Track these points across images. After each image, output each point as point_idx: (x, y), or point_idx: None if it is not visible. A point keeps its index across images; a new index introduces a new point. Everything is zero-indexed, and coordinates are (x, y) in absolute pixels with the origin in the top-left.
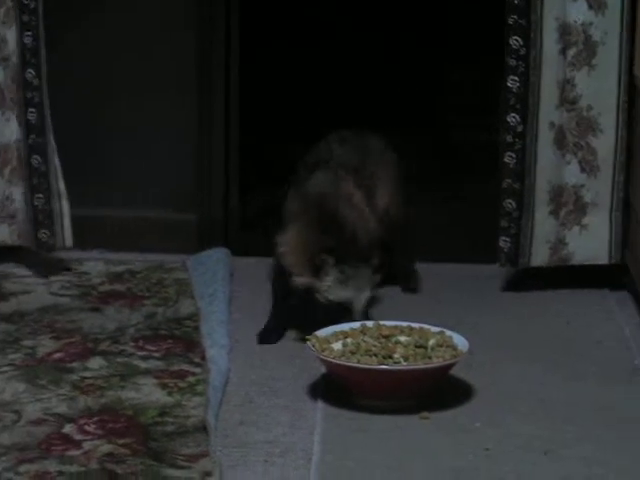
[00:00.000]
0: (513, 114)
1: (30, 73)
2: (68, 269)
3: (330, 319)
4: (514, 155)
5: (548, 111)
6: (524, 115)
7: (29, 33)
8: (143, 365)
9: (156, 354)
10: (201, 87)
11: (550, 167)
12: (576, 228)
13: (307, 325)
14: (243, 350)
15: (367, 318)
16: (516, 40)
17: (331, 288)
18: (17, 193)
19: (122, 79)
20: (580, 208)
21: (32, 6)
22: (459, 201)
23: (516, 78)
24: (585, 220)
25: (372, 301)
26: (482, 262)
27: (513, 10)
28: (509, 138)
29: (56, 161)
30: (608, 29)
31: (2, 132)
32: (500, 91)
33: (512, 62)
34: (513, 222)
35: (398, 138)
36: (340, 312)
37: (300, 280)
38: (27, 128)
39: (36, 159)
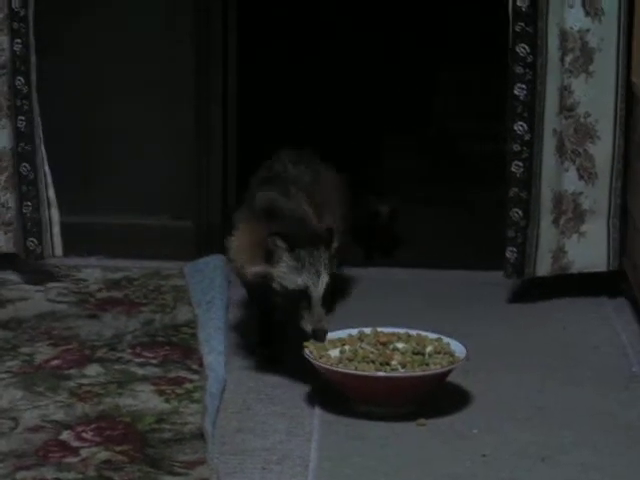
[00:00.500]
0: (520, 122)
1: (19, 81)
2: (59, 279)
3: (290, 308)
4: (521, 164)
5: (551, 118)
6: (531, 123)
7: (19, 40)
8: (140, 372)
9: (153, 361)
10: (198, 93)
11: (552, 175)
12: (575, 236)
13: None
14: (240, 357)
15: (327, 305)
16: (523, 48)
17: (286, 274)
18: (13, 201)
19: (118, 85)
20: (579, 216)
21: (22, 14)
22: (463, 209)
23: (523, 86)
24: (583, 228)
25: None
26: (483, 269)
27: (520, 17)
28: (516, 147)
29: (46, 169)
30: (605, 35)
31: None
32: (505, 99)
33: (519, 70)
34: (520, 232)
35: (397, 146)
36: (298, 300)
37: (254, 270)
38: (17, 136)
39: (25, 167)
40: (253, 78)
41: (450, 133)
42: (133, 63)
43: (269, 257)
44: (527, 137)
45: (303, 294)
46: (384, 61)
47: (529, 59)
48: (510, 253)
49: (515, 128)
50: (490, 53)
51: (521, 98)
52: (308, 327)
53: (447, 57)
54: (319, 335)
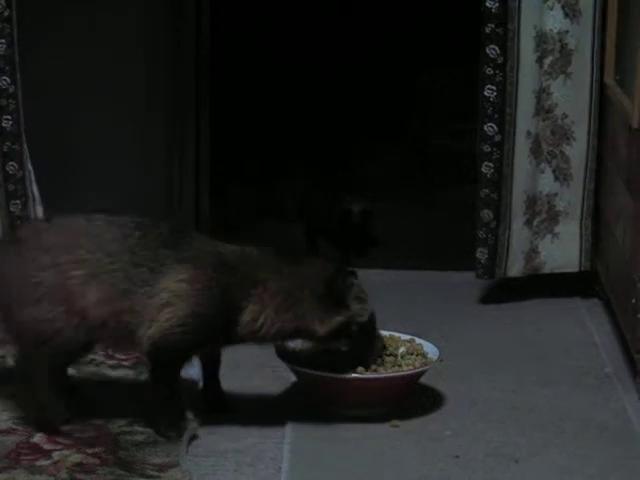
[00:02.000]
0: (490, 124)
1: (5, 80)
2: None
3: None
4: (491, 165)
5: (525, 120)
6: (501, 125)
7: (3, 41)
8: (113, 374)
9: (125, 363)
10: (172, 93)
11: (526, 177)
12: (548, 237)
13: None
14: None
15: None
16: (493, 49)
17: (361, 309)
18: None
19: (91, 87)
20: (553, 217)
21: (6, 14)
22: (436, 209)
23: (493, 87)
24: (557, 229)
25: None
26: (457, 269)
27: (491, 19)
28: (486, 148)
29: (29, 166)
30: (581, 37)
31: None
32: (476, 99)
33: (489, 71)
34: (490, 233)
35: (373, 148)
36: (370, 329)
37: (336, 320)
38: (1, 135)
39: (12, 166)
40: (227, 85)
41: (423, 134)
42: (111, 68)
43: (340, 301)
44: (497, 138)
45: (373, 319)
46: (359, 64)
47: (499, 60)
48: (481, 254)
49: (485, 129)
50: (465, 54)
51: (491, 99)
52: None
53: (422, 59)
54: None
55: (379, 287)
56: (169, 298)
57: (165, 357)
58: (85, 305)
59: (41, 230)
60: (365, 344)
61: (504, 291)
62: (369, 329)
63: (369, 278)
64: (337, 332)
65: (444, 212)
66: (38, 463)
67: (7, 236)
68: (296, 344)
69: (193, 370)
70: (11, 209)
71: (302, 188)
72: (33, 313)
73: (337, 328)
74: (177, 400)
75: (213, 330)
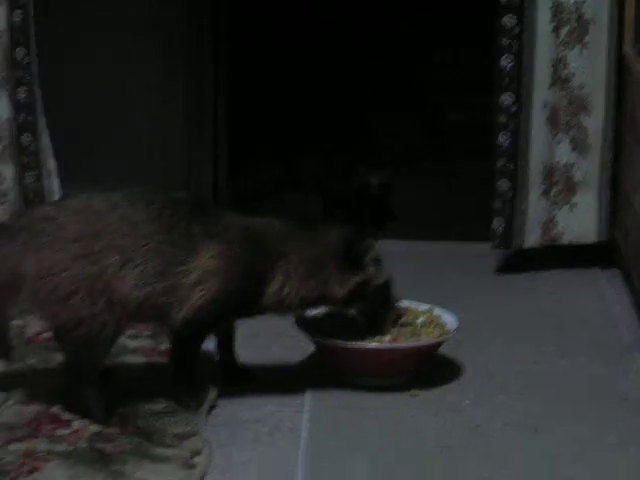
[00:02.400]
0: (507, 94)
1: (20, 52)
2: None
3: (372, 307)
4: (508, 135)
5: (541, 91)
6: (518, 95)
7: (18, 12)
8: (132, 344)
9: (144, 333)
10: (191, 68)
11: (543, 147)
12: (566, 207)
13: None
14: None
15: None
16: (510, 19)
17: (377, 270)
18: (8, 171)
19: (111, 64)
20: (570, 187)
21: None
22: (453, 181)
23: (510, 57)
24: (575, 199)
25: None
26: (473, 240)
27: None
28: (503, 118)
29: (46, 139)
30: (598, 6)
31: None
32: (492, 71)
33: (505, 41)
34: (507, 203)
35: (390, 120)
36: (384, 292)
37: (353, 281)
38: (17, 107)
39: (27, 137)
40: (244, 59)
41: (440, 106)
42: (128, 39)
43: (356, 264)
44: (514, 109)
45: (389, 282)
46: (376, 37)
47: (516, 30)
48: (497, 224)
49: (501, 100)
50: (481, 27)
51: (507, 70)
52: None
53: (438, 31)
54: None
55: (396, 258)
56: (201, 276)
57: (193, 333)
58: (124, 292)
59: (63, 218)
60: (380, 307)
61: (521, 262)
62: (385, 293)
63: (386, 249)
64: (354, 293)
65: (461, 183)
66: (58, 432)
67: (21, 227)
68: (315, 313)
69: (210, 342)
70: (25, 181)
71: (320, 162)
72: (72, 309)
73: (354, 289)
74: (197, 371)
75: (243, 303)
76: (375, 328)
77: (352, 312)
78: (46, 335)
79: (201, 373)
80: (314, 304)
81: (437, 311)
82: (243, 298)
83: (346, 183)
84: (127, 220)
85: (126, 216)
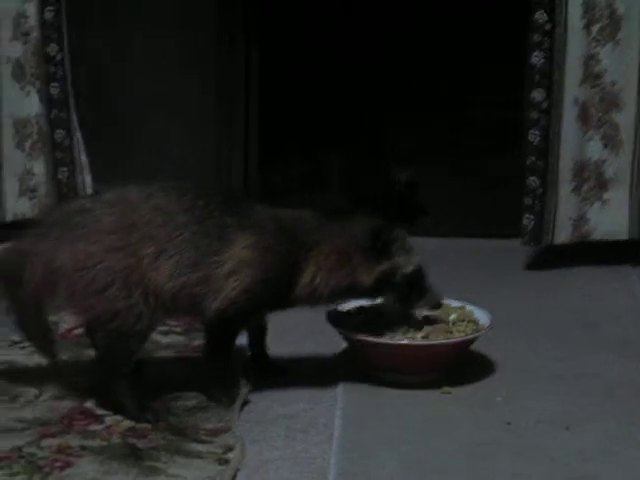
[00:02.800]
0: (538, 90)
1: (52, 48)
2: None
3: (403, 295)
4: (538, 132)
5: (572, 87)
6: (549, 91)
7: (50, 8)
8: (164, 340)
9: (177, 329)
10: (220, 62)
11: (573, 144)
12: (597, 204)
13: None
14: None
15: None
16: (541, 15)
17: (405, 259)
18: (38, 167)
19: (143, 59)
20: (601, 184)
21: None
22: (483, 177)
23: (541, 54)
24: (606, 196)
25: None
26: (502, 237)
27: None
28: (534, 115)
29: (78, 135)
30: (631, 2)
31: (21, 107)
32: (522, 68)
33: (537, 38)
34: (537, 199)
35: (419, 117)
36: (414, 280)
37: (379, 269)
38: (49, 102)
39: (59, 133)
40: (274, 60)
41: (470, 102)
42: (159, 36)
43: (382, 253)
44: (545, 105)
45: (419, 270)
46: (402, 33)
47: (547, 27)
48: (527, 220)
49: (532, 96)
50: (510, 22)
51: (539, 66)
52: (435, 299)
53: (465, 26)
54: (441, 303)
55: (426, 255)
56: (235, 266)
57: (227, 325)
58: (159, 283)
59: (98, 211)
60: (411, 296)
61: (551, 258)
62: (415, 281)
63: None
64: (380, 282)
65: (491, 180)
66: (91, 428)
67: (55, 221)
68: (348, 308)
69: (242, 338)
70: (59, 176)
71: (348, 159)
72: (108, 301)
73: (380, 277)
74: (230, 366)
75: (276, 294)
76: (408, 316)
77: (384, 300)
78: (78, 331)
79: (234, 369)
80: (344, 294)
81: (470, 307)
82: (276, 289)
83: (374, 180)
84: (161, 211)
85: (160, 207)
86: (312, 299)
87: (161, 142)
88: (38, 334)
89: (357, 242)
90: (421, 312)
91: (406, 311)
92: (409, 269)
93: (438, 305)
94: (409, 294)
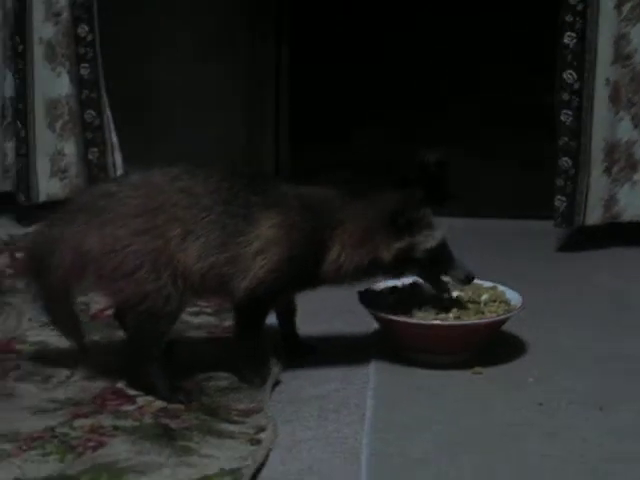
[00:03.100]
0: (570, 71)
1: (83, 28)
2: None
3: (428, 271)
4: (570, 113)
5: (604, 68)
6: (581, 72)
7: None
8: (195, 321)
9: (208, 310)
10: (252, 47)
11: (605, 124)
12: (627, 185)
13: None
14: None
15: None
16: None
17: (427, 235)
18: (69, 148)
19: (171, 36)
20: (632, 165)
21: None
22: (513, 159)
23: (573, 34)
24: (636, 177)
25: None
26: (534, 218)
27: None
28: (565, 96)
29: (108, 115)
30: None
31: (52, 87)
32: (553, 50)
33: (569, 18)
34: (569, 180)
35: (452, 98)
36: (439, 255)
37: (396, 247)
38: (80, 83)
39: (90, 114)
40: (307, 33)
41: (501, 84)
42: (189, 19)
43: (403, 230)
44: (576, 86)
45: (442, 246)
46: (434, 18)
47: (579, 7)
48: (559, 202)
49: (564, 77)
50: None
51: (571, 47)
52: (463, 274)
53: (497, 10)
54: (472, 277)
55: (458, 235)
56: (262, 245)
57: (256, 304)
58: (188, 264)
59: (124, 194)
60: (435, 271)
61: (583, 239)
62: (439, 256)
63: (448, 226)
64: (399, 259)
65: (522, 161)
66: (123, 408)
67: (82, 206)
68: (380, 288)
69: (271, 318)
70: (89, 157)
71: (379, 141)
72: (137, 284)
73: (397, 254)
74: (260, 346)
75: (304, 272)
76: (439, 296)
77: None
78: (110, 312)
79: (264, 348)
80: (368, 272)
81: (501, 288)
82: (303, 266)
83: (405, 162)
84: (187, 192)
85: (186, 189)
86: (338, 277)
87: (192, 126)
88: (65, 319)
89: (380, 220)
90: (453, 292)
91: (437, 290)
92: (431, 244)
93: (468, 279)
94: (433, 270)
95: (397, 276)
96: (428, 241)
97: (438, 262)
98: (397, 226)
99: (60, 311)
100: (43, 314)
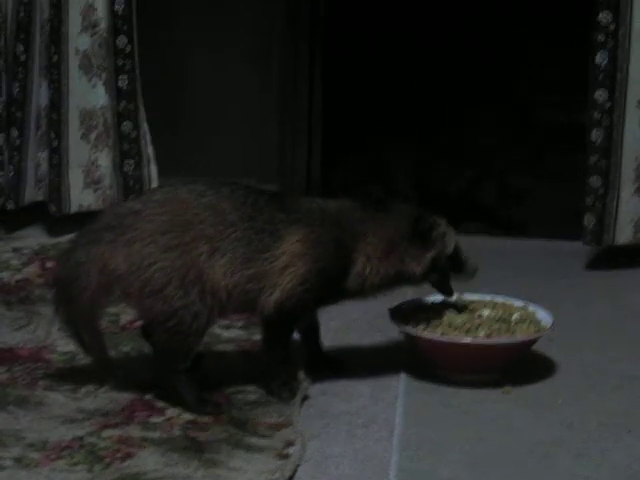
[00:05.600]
0: (601, 90)
1: (122, 40)
2: None
3: (444, 272)
4: (601, 132)
5: (636, 87)
6: (612, 91)
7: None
8: (225, 334)
9: (238, 323)
10: (284, 57)
11: (636, 144)
12: None
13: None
14: (324, 321)
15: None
16: (606, 16)
17: (446, 242)
18: (103, 159)
19: (206, 50)
20: None
21: None
22: (542, 177)
23: (605, 54)
24: None
25: None
26: (566, 239)
27: None
28: (596, 115)
29: (145, 127)
30: None
31: (87, 98)
32: (586, 68)
33: (601, 38)
34: (598, 200)
35: (481, 115)
36: (455, 256)
37: (428, 256)
38: (117, 94)
39: (127, 125)
40: (341, 47)
41: (531, 102)
42: (223, 29)
43: (426, 239)
44: (607, 105)
45: (457, 248)
46: (466, 32)
47: (611, 27)
48: (588, 221)
49: (595, 96)
50: (572, 23)
51: (602, 66)
52: (473, 267)
53: (530, 26)
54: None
55: (487, 254)
56: (288, 260)
57: (284, 319)
58: (215, 280)
59: (149, 211)
60: (448, 274)
61: (612, 259)
62: (456, 257)
63: (477, 245)
64: (430, 268)
65: (551, 180)
66: (152, 420)
67: (106, 225)
68: (409, 305)
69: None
70: (124, 168)
71: (412, 154)
72: (165, 301)
73: (430, 264)
74: (289, 360)
75: (331, 284)
76: (446, 294)
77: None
78: (139, 323)
79: (293, 363)
80: (393, 283)
81: (532, 308)
82: (330, 278)
83: (436, 178)
84: (213, 209)
85: (212, 205)
86: (363, 290)
87: (224, 137)
88: (91, 342)
89: (401, 231)
90: (484, 312)
91: (446, 294)
92: (450, 249)
93: (473, 273)
94: (447, 274)
95: (417, 285)
96: (449, 246)
97: (454, 262)
98: (419, 236)
99: (87, 333)
100: (71, 339)
